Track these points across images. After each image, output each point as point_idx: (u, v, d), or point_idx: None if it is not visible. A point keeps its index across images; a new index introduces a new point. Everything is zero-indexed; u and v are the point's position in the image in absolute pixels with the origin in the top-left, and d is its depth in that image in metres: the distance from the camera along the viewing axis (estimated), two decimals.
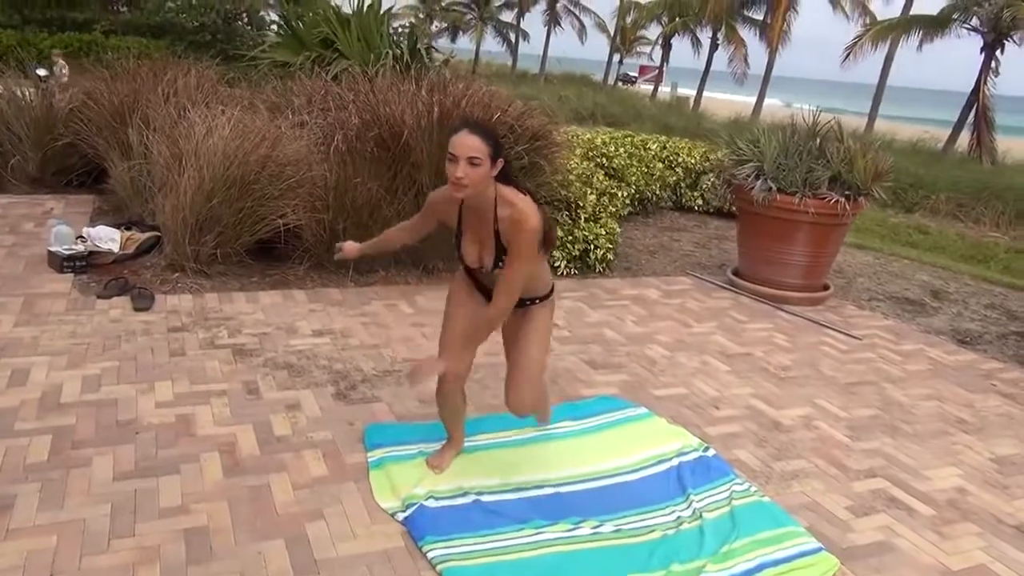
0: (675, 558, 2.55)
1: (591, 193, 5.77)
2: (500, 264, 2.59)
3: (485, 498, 2.80)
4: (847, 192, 5.20)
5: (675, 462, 3.16)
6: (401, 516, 2.67)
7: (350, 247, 3.09)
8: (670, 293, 5.51)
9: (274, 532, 2.55)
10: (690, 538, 2.67)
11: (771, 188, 5.24)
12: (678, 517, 2.79)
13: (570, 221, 5.59)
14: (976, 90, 15.13)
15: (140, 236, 5.02)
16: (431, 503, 2.73)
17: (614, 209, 6.07)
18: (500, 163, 2.50)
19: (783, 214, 5.24)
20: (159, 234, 5.04)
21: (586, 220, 5.64)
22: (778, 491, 3.07)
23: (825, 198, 5.17)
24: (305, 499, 2.74)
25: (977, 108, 14.89)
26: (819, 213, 5.18)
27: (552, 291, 2.85)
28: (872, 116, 20.07)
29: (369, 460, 2.99)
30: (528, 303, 2.76)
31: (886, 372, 4.42)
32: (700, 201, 8.57)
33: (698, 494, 2.94)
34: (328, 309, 4.56)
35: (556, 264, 5.55)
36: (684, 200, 8.55)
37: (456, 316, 2.86)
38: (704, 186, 8.52)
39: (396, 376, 3.77)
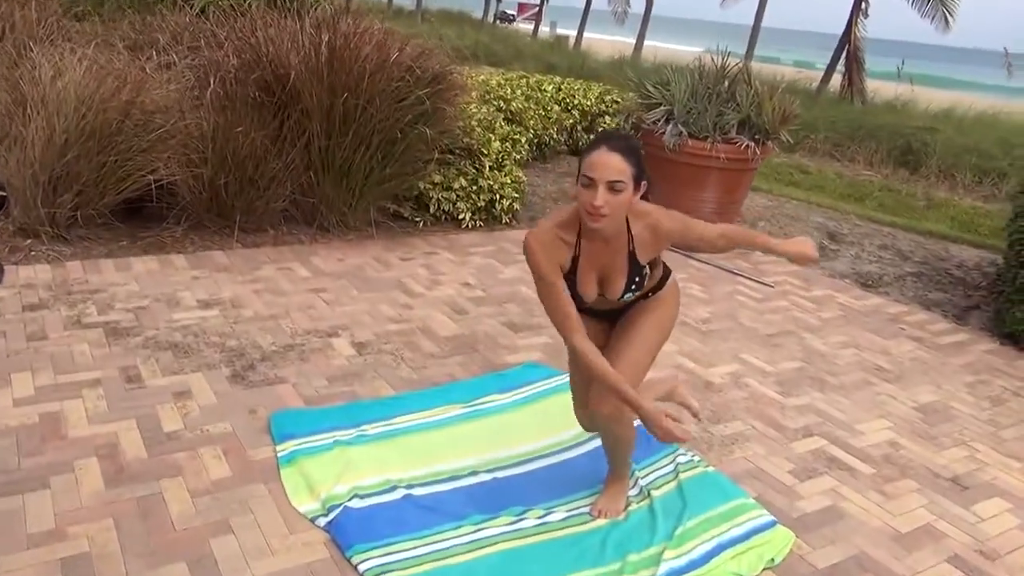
0: (629, 546, 2.36)
1: (494, 140, 5.42)
2: (633, 287, 2.25)
3: (416, 491, 2.51)
4: (756, 136, 5.09)
5: None
6: (323, 521, 2.34)
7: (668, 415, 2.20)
8: None
9: (173, 554, 2.17)
10: (641, 521, 2.49)
11: (681, 133, 5.07)
12: (626, 498, 2.60)
13: (474, 170, 5.25)
14: (847, 32, 15.57)
15: None
16: (356, 503, 2.41)
17: (518, 156, 5.76)
18: (644, 186, 2.12)
19: (694, 160, 5.10)
20: (3, 193, 4.34)
21: (491, 169, 5.31)
22: (720, 458, 2.93)
23: (735, 142, 5.05)
24: (207, 509, 2.36)
25: (848, 50, 15.36)
26: (730, 158, 5.06)
27: (669, 274, 2.43)
28: (748, 57, 20.46)
29: (279, 455, 2.63)
30: (644, 297, 2.38)
31: (803, 321, 4.39)
32: None
33: (642, 469, 2.76)
34: (214, 276, 4.07)
35: (460, 216, 5.22)
36: (580, 144, 8.32)
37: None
38: (601, 129, 8.31)
39: (299, 351, 3.38)
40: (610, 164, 2.02)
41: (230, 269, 4.17)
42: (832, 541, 2.53)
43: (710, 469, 2.80)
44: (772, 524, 2.53)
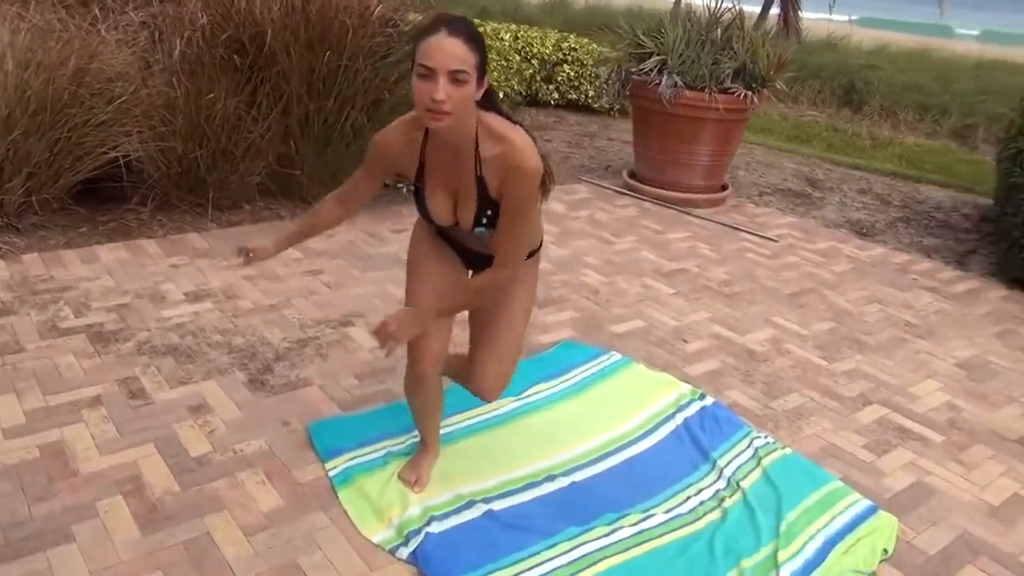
0: (739, 551, 2.17)
1: None
2: (484, 221, 1.96)
3: (496, 506, 2.25)
4: (753, 85, 4.89)
5: (679, 419, 2.76)
6: (405, 552, 2.06)
7: (261, 248, 2.18)
8: (573, 205, 5.03)
9: None
10: (740, 519, 2.30)
11: (676, 83, 4.81)
12: (716, 492, 2.41)
13: None
14: None
15: None
16: (436, 527, 2.14)
17: None
18: (485, 82, 1.84)
19: (690, 111, 4.86)
20: None
21: None
22: (792, 437, 2.77)
23: (732, 92, 4.83)
24: (267, 549, 2.05)
25: None
26: (727, 108, 4.85)
27: (541, 244, 2.25)
28: None
29: (331, 475, 2.32)
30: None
31: (818, 276, 4.26)
32: (556, 95, 8.05)
33: (722, 457, 2.57)
34: (195, 262, 3.65)
35: None
36: (539, 95, 7.99)
37: (425, 275, 2.17)
38: (560, 78, 7.99)
39: (316, 346, 3.04)
40: (452, 51, 1.72)
41: (211, 254, 3.75)
42: (932, 522, 2.41)
43: (788, 451, 2.63)
44: (874, 510, 2.38)
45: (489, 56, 5.68)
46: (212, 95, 3.75)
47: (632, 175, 5.45)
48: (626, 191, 5.35)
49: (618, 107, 8.07)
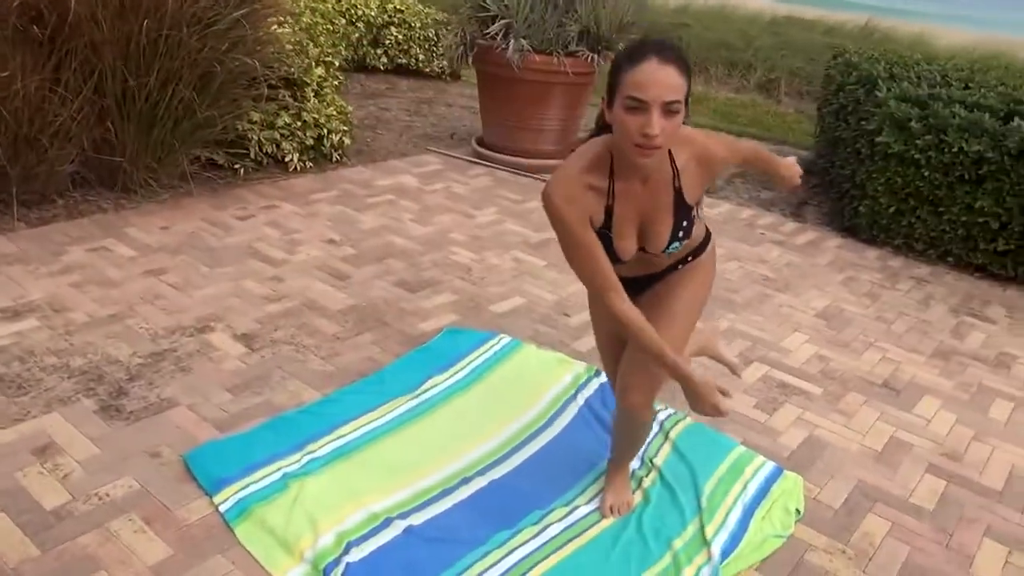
0: (668, 532, 2.14)
1: (315, 65, 4.71)
2: (681, 235, 1.85)
3: (415, 520, 2.08)
4: (597, 48, 4.87)
5: (580, 400, 2.70)
6: None
7: (707, 387, 1.87)
8: (426, 177, 4.82)
9: None
10: (662, 498, 2.27)
11: (523, 48, 4.70)
12: (633, 473, 2.37)
13: (297, 104, 4.52)
14: None
15: None
16: (355, 554, 1.94)
17: (336, 82, 5.06)
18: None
19: (538, 76, 4.77)
20: None
21: (315, 99, 4.61)
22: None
23: (579, 55, 4.79)
24: None
25: None
26: (575, 72, 4.80)
27: (710, 235, 2.08)
28: None
29: (222, 510, 2.05)
30: (684, 261, 2.01)
31: None
32: (384, 60, 7.72)
33: None
34: (6, 271, 3.12)
35: (287, 159, 4.51)
36: (367, 59, 7.63)
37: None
38: (388, 42, 7.66)
39: (174, 359, 2.69)
40: (666, 82, 1.59)
41: (25, 259, 3.23)
42: (831, 476, 2.50)
43: (691, 421, 2.65)
44: (780, 471, 2.44)
45: (315, 20, 5.26)
46: (7, 73, 3.18)
47: (480, 143, 5.30)
48: (477, 160, 5.20)
49: (450, 71, 7.90)
